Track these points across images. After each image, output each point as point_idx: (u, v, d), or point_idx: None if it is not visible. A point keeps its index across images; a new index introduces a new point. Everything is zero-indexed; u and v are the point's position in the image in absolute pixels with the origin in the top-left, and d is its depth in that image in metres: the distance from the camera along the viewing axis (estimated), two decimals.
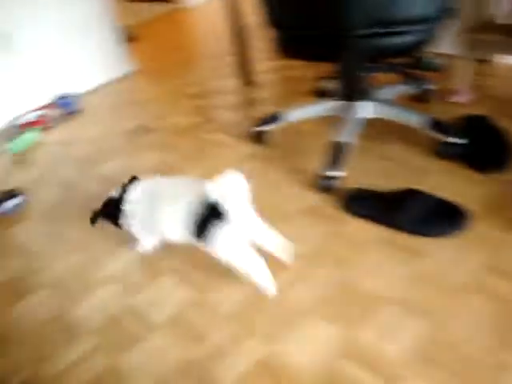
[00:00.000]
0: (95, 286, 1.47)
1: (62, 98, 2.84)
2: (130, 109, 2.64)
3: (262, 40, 3.16)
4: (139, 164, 2.06)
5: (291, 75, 2.58)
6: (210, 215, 1.21)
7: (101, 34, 3.05)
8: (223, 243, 1.23)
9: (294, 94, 2.37)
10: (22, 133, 2.57)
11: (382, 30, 1.41)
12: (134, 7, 5.17)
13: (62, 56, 2.93)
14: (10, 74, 2.76)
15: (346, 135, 1.66)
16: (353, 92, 1.65)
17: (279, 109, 2.16)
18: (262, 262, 1.27)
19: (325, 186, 1.62)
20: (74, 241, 1.69)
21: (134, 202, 1.41)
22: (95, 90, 3.06)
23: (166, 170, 1.96)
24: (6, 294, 1.53)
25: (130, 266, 1.51)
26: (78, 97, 2.88)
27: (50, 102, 2.88)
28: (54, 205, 1.93)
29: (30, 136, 2.47)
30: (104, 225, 1.52)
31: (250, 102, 2.38)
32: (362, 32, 1.42)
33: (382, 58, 1.70)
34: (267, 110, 2.25)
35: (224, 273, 1.38)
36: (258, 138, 2.00)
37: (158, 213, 1.34)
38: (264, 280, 1.29)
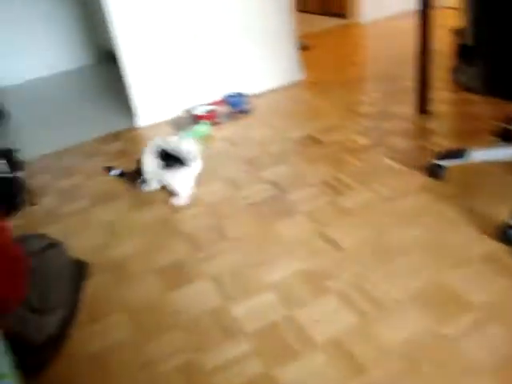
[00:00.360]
0: (257, 289, 1.47)
1: (232, 96, 2.92)
2: (299, 117, 2.65)
3: (442, 69, 3.03)
4: (307, 174, 2.05)
5: (470, 111, 2.43)
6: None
7: (278, 41, 3.10)
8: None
9: (473, 131, 2.23)
10: (194, 124, 2.68)
11: None
12: (308, 18, 5.24)
13: (239, 56, 3.02)
14: (190, 67, 2.90)
15: None
16: None
17: (455, 144, 2.06)
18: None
19: (507, 236, 1.49)
20: (240, 239, 1.72)
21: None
22: (264, 93, 3.12)
23: (334, 186, 1.93)
24: (168, 278, 1.59)
25: (293, 278, 1.49)
26: (247, 97, 2.95)
27: (220, 98, 2.98)
28: (220, 199, 1.98)
29: (202, 128, 2.57)
30: None
31: (423, 132, 2.28)
32: None
33: None
34: (441, 142, 2.15)
35: (393, 307, 1.32)
36: (434, 172, 1.90)
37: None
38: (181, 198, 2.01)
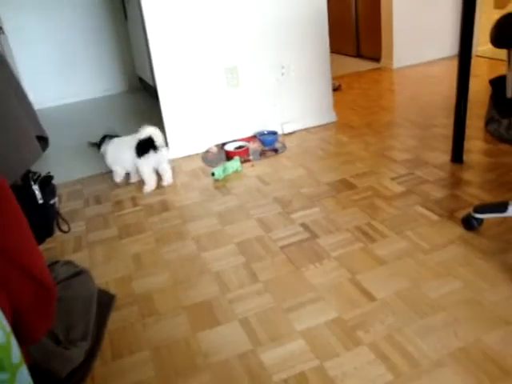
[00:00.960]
0: (287, 336, 1.44)
1: (264, 134, 2.93)
2: (332, 160, 2.64)
3: (476, 118, 3.01)
4: (339, 219, 2.02)
5: (506, 162, 2.40)
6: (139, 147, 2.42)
7: (314, 81, 3.12)
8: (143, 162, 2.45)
9: (508, 182, 2.19)
10: (225, 159, 2.68)
11: None
12: (341, 60, 5.29)
13: (273, 93, 3.04)
14: (225, 101, 2.93)
15: None
16: None
17: (491, 196, 2.03)
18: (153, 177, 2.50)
19: None
20: (271, 282, 1.68)
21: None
22: (297, 133, 3.12)
23: (367, 232, 1.90)
24: (196, 317, 1.56)
25: (324, 326, 1.45)
26: (279, 136, 2.96)
27: (252, 135, 3.00)
28: (250, 239, 1.96)
29: (233, 165, 2.57)
30: None
31: (458, 182, 2.25)
32: None
33: None
34: (477, 193, 2.11)
35: (428, 366, 1.27)
36: (470, 224, 1.86)
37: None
38: (148, 185, 2.51)
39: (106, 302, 1.60)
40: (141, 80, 4.84)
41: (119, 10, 4.64)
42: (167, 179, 2.56)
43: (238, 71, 2.90)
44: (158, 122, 2.86)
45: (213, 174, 2.51)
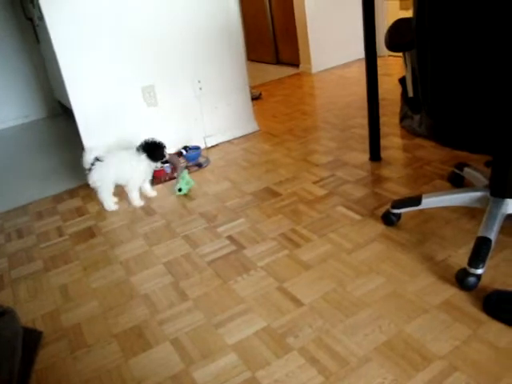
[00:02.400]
0: (219, 351, 1.44)
1: (188, 149, 2.93)
2: (255, 169, 2.67)
3: (392, 115, 3.13)
4: (264, 228, 2.05)
5: (422, 156, 2.50)
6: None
7: (232, 92, 3.15)
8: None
9: (423, 176, 2.29)
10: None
11: None
12: (261, 67, 5.37)
13: (193, 108, 3.05)
14: (144, 120, 2.91)
15: (492, 231, 1.56)
16: (506, 188, 1.56)
17: (408, 190, 2.12)
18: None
19: (464, 282, 1.52)
20: (200, 299, 1.69)
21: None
22: (220, 146, 3.14)
23: (292, 239, 1.94)
24: (127, 344, 1.54)
25: (254, 337, 1.47)
26: (202, 150, 2.97)
27: (176, 152, 2.99)
28: (178, 257, 1.95)
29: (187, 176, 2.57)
30: None
31: (377, 179, 2.33)
32: None
33: None
34: (395, 189, 2.19)
35: (357, 363, 1.31)
36: (389, 220, 1.93)
37: None
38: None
39: (32, 340, 1.56)
40: (61, 104, 4.73)
41: (30, 34, 4.52)
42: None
43: (156, 89, 2.89)
44: (80, 146, 2.81)
45: (180, 190, 2.48)
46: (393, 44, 1.59)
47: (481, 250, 1.52)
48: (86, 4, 2.55)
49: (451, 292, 1.53)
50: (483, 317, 1.41)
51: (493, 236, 1.55)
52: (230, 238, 2.02)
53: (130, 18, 2.69)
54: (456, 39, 1.34)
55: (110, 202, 2.49)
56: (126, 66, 2.76)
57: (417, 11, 1.40)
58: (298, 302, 1.58)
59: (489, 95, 1.35)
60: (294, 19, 4.75)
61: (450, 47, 1.36)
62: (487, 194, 1.70)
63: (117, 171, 2.42)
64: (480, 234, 1.57)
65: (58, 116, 4.78)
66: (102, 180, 2.42)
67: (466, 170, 2.07)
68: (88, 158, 2.39)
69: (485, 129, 1.43)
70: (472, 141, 1.49)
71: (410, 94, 1.74)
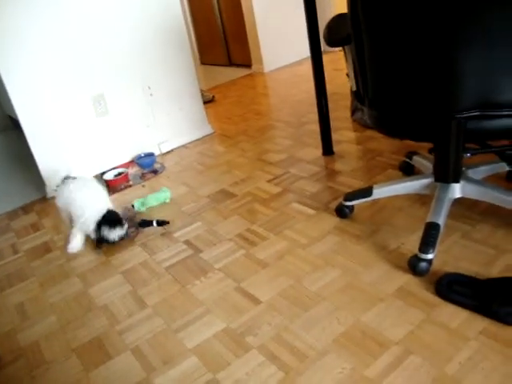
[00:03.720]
0: (179, 356, 1.44)
1: (142, 157, 2.92)
2: (211, 172, 2.67)
3: (343, 109, 3.17)
4: (221, 230, 2.06)
5: (373, 147, 2.55)
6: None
7: (183, 97, 3.15)
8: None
9: (375, 167, 2.33)
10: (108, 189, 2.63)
11: (490, 112, 1.37)
12: (213, 70, 5.37)
13: (145, 115, 3.03)
14: (96, 130, 2.88)
15: (440, 216, 1.60)
16: (448, 174, 1.60)
17: (361, 182, 2.15)
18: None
19: (416, 267, 1.55)
20: (159, 305, 1.68)
21: None
22: (174, 151, 3.13)
23: (248, 238, 1.95)
24: (87, 357, 1.52)
25: (214, 339, 1.47)
26: (156, 156, 2.96)
27: (130, 160, 2.97)
28: (135, 266, 1.94)
29: (158, 196, 2.43)
30: None
31: (330, 174, 2.36)
32: (468, 114, 1.38)
33: (485, 140, 1.65)
34: (348, 182, 2.23)
35: (315, 357, 1.33)
36: (343, 213, 1.96)
37: None
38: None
39: None
40: (11, 119, 4.63)
41: None
42: None
43: (106, 98, 2.86)
44: (32, 161, 2.77)
45: (132, 206, 2.42)
46: (331, 39, 1.62)
47: (430, 236, 1.56)
48: (28, 16, 2.50)
49: (405, 279, 1.56)
50: (436, 300, 1.45)
51: (441, 221, 1.59)
52: (186, 242, 2.02)
53: (74, 27, 2.65)
54: (390, 31, 1.37)
55: (71, 240, 2.18)
56: (73, 76, 2.72)
57: (350, 5, 1.43)
58: (256, 301, 1.59)
59: (424, 83, 1.39)
60: (244, 20, 4.76)
61: (384, 39, 1.40)
62: (431, 180, 1.74)
63: (67, 201, 2.20)
64: (428, 219, 1.61)
65: (9, 131, 4.67)
66: (60, 207, 2.27)
67: (415, 158, 2.12)
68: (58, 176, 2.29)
69: (423, 117, 1.47)
70: (412, 129, 1.53)
71: (354, 87, 1.77)
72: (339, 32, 1.60)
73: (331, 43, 1.63)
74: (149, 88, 2.99)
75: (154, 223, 2.16)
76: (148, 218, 2.21)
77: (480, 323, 1.33)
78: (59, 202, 2.27)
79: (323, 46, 2.23)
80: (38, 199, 2.80)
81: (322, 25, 1.95)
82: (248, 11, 4.63)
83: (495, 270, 1.52)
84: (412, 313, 1.42)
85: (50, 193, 2.78)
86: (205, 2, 5.38)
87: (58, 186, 2.29)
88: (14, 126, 4.64)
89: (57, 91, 2.69)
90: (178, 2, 2.98)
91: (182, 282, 1.77)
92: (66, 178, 2.27)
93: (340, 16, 1.70)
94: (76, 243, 2.16)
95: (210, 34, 5.55)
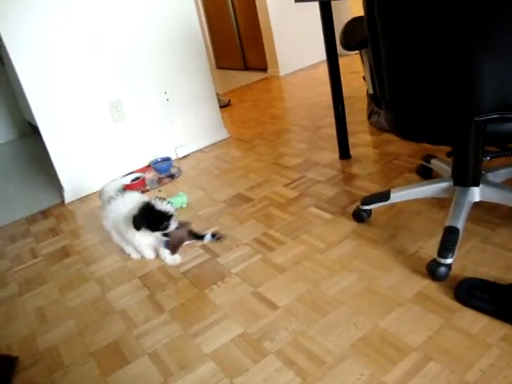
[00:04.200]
0: (196, 361, 1.44)
1: (159, 161, 2.93)
2: (227, 176, 2.67)
3: (360, 113, 3.16)
4: (238, 235, 2.05)
5: (390, 151, 2.53)
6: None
7: (199, 102, 3.16)
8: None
9: (392, 170, 2.32)
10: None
11: (510, 115, 1.35)
12: (229, 75, 5.38)
13: (162, 120, 3.04)
14: (113, 135, 2.90)
15: (459, 220, 1.58)
16: (467, 177, 1.58)
17: (378, 186, 2.14)
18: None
19: (435, 272, 1.53)
20: (176, 310, 1.68)
21: None
22: (191, 155, 3.14)
23: (265, 243, 1.94)
24: (105, 361, 1.53)
25: (231, 344, 1.47)
26: (173, 161, 2.97)
27: (147, 164, 2.99)
28: (153, 270, 1.94)
29: (176, 201, 2.41)
30: None
31: (347, 177, 2.35)
32: (488, 116, 1.37)
33: (505, 143, 1.63)
34: (365, 186, 2.21)
35: (333, 362, 1.32)
36: (360, 217, 1.94)
37: None
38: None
39: (6, 366, 1.54)
40: (31, 125, 4.69)
41: None
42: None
43: (122, 104, 2.88)
44: (51, 166, 2.80)
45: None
46: (347, 43, 1.61)
47: (449, 240, 1.54)
48: (46, 22, 2.53)
49: (423, 283, 1.54)
50: (456, 305, 1.43)
51: (460, 225, 1.57)
52: (203, 246, 2.02)
53: (92, 34, 2.68)
54: (407, 34, 1.36)
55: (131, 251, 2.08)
56: (90, 82, 2.75)
57: (366, 9, 1.42)
58: (273, 306, 1.59)
59: (442, 86, 1.38)
60: (259, 24, 4.77)
61: (401, 42, 1.39)
62: (450, 184, 1.72)
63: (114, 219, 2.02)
64: (447, 223, 1.59)
65: (28, 137, 4.74)
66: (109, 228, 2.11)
67: (433, 161, 2.10)
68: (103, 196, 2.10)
69: (441, 120, 1.46)
70: (430, 132, 1.52)
71: (370, 90, 1.76)
72: (355, 36, 1.59)
73: (348, 47, 1.63)
74: (165, 93, 3.01)
75: (209, 236, 1.94)
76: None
77: (501, 329, 1.31)
78: (107, 224, 2.08)
79: (339, 48, 2.21)
80: (57, 204, 2.83)
81: (338, 28, 1.95)
82: (263, 15, 4.64)
83: None
84: (431, 318, 1.40)
85: (68, 198, 2.81)
86: (220, 7, 5.40)
87: (103, 206, 2.11)
88: (34, 132, 4.71)
89: (74, 97, 2.72)
90: (193, 7, 2.99)
91: (200, 286, 1.77)
92: (111, 197, 2.04)
93: (356, 19, 1.69)
94: (169, 256, 1.97)
95: (226, 39, 5.57)
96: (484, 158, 1.58)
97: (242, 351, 1.43)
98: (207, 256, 1.95)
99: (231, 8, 5.24)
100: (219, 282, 1.77)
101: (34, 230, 2.58)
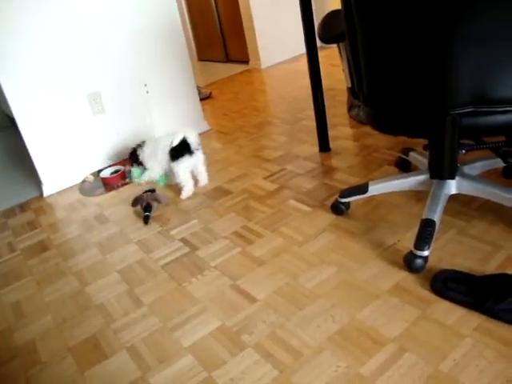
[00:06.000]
0: (175, 355, 1.44)
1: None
2: (207, 169, 2.66)
3: (340, 106, 3.17)
4: (217, 228, 2.05)
5: (369, 143, 2.55)
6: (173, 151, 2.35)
7: (179, 94, 3.14)
8: (178, 166, 2.35)
9: (371, 163, 2.33)
10: (103, 187, 2.63)
11: (485, 109, 1.36)
12: (208, 66, 5.36)
13: (141, 112, 3.02)
14: (92, 127, 2.87)
15: (435, 213, 1.60)
16: (443, 170, 1.60)
17: (358, 179, 2.15)
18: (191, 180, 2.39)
19: (412, 264, 1.55)
20: (155, 303, 1.68)
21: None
22: None
23: (244, 236, 1.94)
24: (83, 356, 1.52)
25: (210, 337, 1.47)
26: None
27: (126, 157, 2.96)
28: (132, 264, 1.94)
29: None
30: None
31: (327, 170, 2.36)
32: (463, 110, 1.38)
33: (480, 137, 1.64)
34: (345, 178, 2.22)
35: (311, 354, 1.33)
36: (339, 209, 1.96)
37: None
38: (186, 190, 2.38)
39: None
40: (9, 117, 4.62)
41: None
42: (203, 180, 2.47)
43: (102, 96, 2.86)
44: (29, 159, 2.77)
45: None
46: (325, 36, 1.61)
47: (425, 232, 1.56)
48: (24, 14, 2.49)
49: (401, 276, 1.56)
50: (432, 297, 1.45)
51: (436, 217, 1.59)
52: (183, 240, 2.02)
53: (70, 25, 2.64)
54: (384, 28, 1.36)
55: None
56: (69, 74, 2.72)
57: (344, 2, 1.42)
58: (251, 299, 1.59)
59: (418, 80, 1.39)
60: (241, 16, 4.75)
61: (378, 36, 1.39)
62: (427, 176, 1.74)
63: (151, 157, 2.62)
64: (424, 216, 1.61)
65: (7, 129, 4.66)
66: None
67: (412, 154, 2.11)
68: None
69: (418, 113, 1.46)
70: (407, 126, 1.53)
71: (348, 84, 1.76)
72: (333, 29, 1.59)
73: (325, 40, 1.63)
74: (145, 85, 2.99)
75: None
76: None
77: (475, 320, 1.33)
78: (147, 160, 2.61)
79: (319, 41, 2.22)
80: (35, 197, 2.80)
81: (319, 21, 1.94)
82: (245, 7, 4.62)
83: (491, 267, 1.51)
84: (407, 310, 1.42)
85: (46, 191, 2.78)
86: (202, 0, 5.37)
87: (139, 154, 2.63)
88: (12, 124, 4.63)
89: (53, 90, 2.68)
90: None
91: (179, 280, 1.77)
92: (138, 146, 2.66)
93: (334, 13, 1.70)
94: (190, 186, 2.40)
95: (208, 31, 5.53)
96: (460, 152, 1.59)
97: (221, 344, 1.44)
98: (186, 249, 1.95)
99: (213, 0, 5.21)
100: (198, 276, 1.77)
101: (11, 223, 2.55)
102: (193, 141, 2.34)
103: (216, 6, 5.22)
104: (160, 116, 3.10)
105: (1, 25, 2.45)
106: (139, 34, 2.89)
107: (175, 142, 2.32)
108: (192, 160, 2.36)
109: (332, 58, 4.41)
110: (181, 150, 2.33)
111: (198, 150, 2.37)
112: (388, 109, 1.54)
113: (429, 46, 1.31)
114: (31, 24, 2.54)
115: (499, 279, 1.42)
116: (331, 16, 1.66)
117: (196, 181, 2.47)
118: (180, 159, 2.34)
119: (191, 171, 2.41)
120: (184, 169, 2.36)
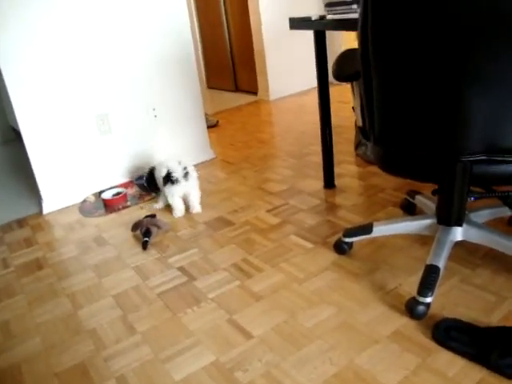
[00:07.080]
0: None
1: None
2: (210, 198, 2.65)
3: (347, 143, 3.17)
4: (216, 259, 2.02)
5: (375, 183, 2.53)
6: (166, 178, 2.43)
7: (187, 120, 3.14)
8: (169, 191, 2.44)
9: (376, 203, 2.31)
10: (104, 209, 2.60)
11: (497, 158, 1.35)
12: (217, 94, 5.39)
13: (148, 137, 3.02)
14: (97, 148, 2.86)
15: (440, 259, 1.57)
16: (451, 217, 1.58)
17: (361, 218, 2.12)
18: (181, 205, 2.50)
19: (414, 311, 1.51)
20: (148, 332, 1.63)
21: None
22: None
23: (243, 269, 1.91)
24: (70, 382, 1.47)
25: (203, 372, 1.42)
26: None
27: (128, 180, 2.95)
28: (127, 290, 1.90)
29: None
30: None
31: (331, 207, 2.33)
32: (475, 158, 1.36)
33: (490, 185, 1.63)
34: (348, 217, 2.20)
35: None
36: (341, 249, 1.93)
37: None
38: (176, 212, 2.49)
39: None
40: (14, 130, 4.62)
41: None
42: (194, 208, 2.52)
43: (110, 117, 2.86)
44: (32, 174, 2.74)
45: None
46: (339, 74, 1.61)
47: (429, 279, 1.53)
48: (35, 30, 2.51)
49: (402, 321, 1.52)
50: (433, 346, 1.41)
51: (441, 264, 1.56)
52: (181, 268, 1.98)
53: (82, 44, 2.66)
54: (400, 70, 1.35)
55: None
56: (79, 93, 2.72)
57: (361, 42, 1.42)
58: (248, 335, 1.55)
59: (432, 125, 1.37)
60: (253, 47, 4.80)
61: (393, 78, 1.38)
62: (434, 221, 1.71)
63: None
64: (428, 261, 1.58)
65: (11, 142, 4.66)
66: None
67: (418, 197, 2.09)
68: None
69: (428, 158, 1.45)
70: (417, 170, 1.51)
71: (359, 122, 1.75)
72: (348, 67, 1.59)
73: (339, 78, 1.62)
74: (153, 110, 2.99)
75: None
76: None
77: (478, 373, 1.29)
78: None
79: (330, 77, 2.22)
80: (34, 214, 2.77)
81: (330, 57, 1.94)
82: (257, 38, 4.67)
83: (495, 318, 1.48)
84: (407, 357, 1.38)
85: (46, 208, 2.75)
86: (215, 28, 5.43)
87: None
88: (17, 137, 4.64)
89: (61, 107, 2.68)
90: (188, 26, 2.99)
91: (174, 309, 1.73)
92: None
93: (349, 51, 1.70)
94: (181, 208, 2.51)
95: (219, 59, 5.59)
96: (469, 199, 1.57)
97: (213, 380, 1.39)
98: (184, 278, 1.91)
99: (226, 29, 5.27)
100: (194, 307, 1.73)
101: (7, 238, 2.51)
102: (176, 171, 2.41)
103: (229, 36, 5.28)
104: (166, 141, 3.09)
105: (12, 41, 2.46)
106: (151, 58, 2.90)
107: (163, 172, 2.44)
108: (179, 187, 2.43)
109: (341, 95, 4.44)
110: (167, 179, 2.43)
111: (187, 179, 2.43)
112: (398, 151, 1.52)
113: (444, 92, 1.30)
114: (43, 41, 2.55)
115: (504, 332, 1.39)
116: (347, 54, 1.66)
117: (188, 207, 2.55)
118: (169, 185, 2.42)
119: (183, 197, 2.51)
120: (174, 194, 2.45)
